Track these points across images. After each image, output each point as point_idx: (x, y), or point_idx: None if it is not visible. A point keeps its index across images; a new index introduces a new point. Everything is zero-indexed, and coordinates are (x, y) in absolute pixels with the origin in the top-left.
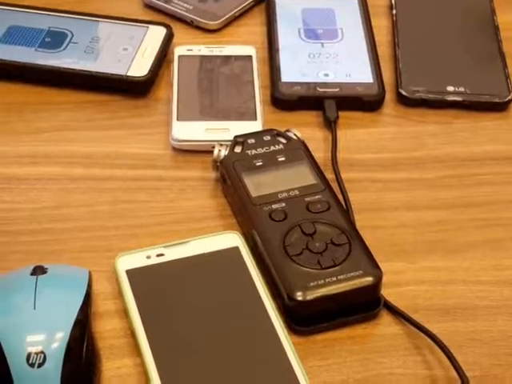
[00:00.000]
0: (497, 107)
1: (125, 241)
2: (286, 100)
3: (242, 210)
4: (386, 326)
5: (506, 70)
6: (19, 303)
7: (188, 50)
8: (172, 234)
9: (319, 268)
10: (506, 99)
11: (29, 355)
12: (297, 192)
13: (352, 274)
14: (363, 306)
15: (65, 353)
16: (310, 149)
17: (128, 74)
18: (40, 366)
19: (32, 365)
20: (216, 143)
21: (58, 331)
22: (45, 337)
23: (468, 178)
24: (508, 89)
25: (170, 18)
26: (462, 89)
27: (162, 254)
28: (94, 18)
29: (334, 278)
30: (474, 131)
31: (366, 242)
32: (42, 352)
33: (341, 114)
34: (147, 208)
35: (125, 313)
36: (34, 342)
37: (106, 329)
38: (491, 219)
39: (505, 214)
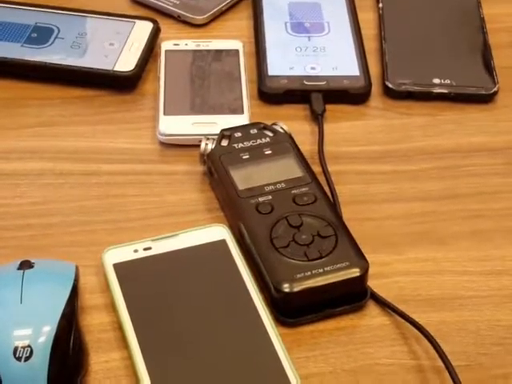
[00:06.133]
0: (483, 99)
1: (112, 235)
2: (272, 94)
3: (229, 203)
4: (372, 316)
5: (492, 62)
6: (6, 297)
7: (175, 44)
8: (160, 227)
9: (306, 260)
10: (492, 91)
11: (15, 349)
12: (283, 185)
13: (338, 265)
14: (350, 297)
15: (52, 346)
16: (297, 142)
17: (115, 68)
18: (27, 359)
19: (19, 358)
20: (203, 137)
21: (44, 325)
22: (31, 331)
23: (454, 169)
24: (494, 81)
25: (156, 13)
26: (448, 81)
27: (149, 248)
28: (80, 14)
29: (321, 270)
30: (461, 123)
31: (353, 234)
32: (29, 346)
33: (328, 107)
34: (135, 202)
35: (112, 306)
36: (21, 336)
37: (93, 322)
38: (478, 210)
39: (491, 205)
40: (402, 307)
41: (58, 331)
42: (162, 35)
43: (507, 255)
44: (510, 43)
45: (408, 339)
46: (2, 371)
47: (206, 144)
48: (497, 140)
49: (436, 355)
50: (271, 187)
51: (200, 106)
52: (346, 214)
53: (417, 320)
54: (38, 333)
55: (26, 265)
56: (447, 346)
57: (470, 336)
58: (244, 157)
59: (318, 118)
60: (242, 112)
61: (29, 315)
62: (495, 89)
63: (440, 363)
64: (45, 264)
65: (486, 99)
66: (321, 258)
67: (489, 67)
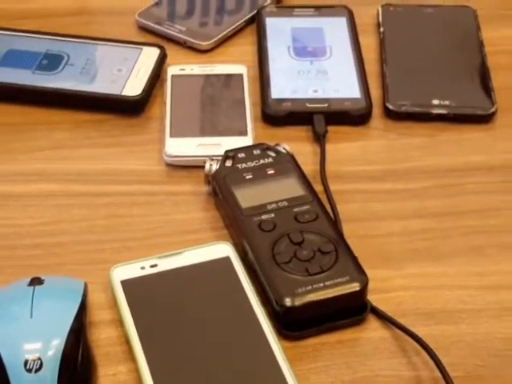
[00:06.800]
0: (481, 119)
1: (120, 253)
2: (276, 116)
3: (233, 221)
4: (372, 330)
5: (490, 83)
6: (17, 312)
7: (181, 69)
8: (166, 245)
9: (307, 275)
10: (490, 112)
11: (26, 361)
12: (285, 203)
13: (339, 280)
14: (350, 311)
15: (61, 359)
16: (300, 162)
17: (122, 93)
18: (37, 371)
19: (29, 370)
20: (207, 158)
21: (53, 339)
22: (41, 344)
23: (453, 187)
24: (491, 102)
25: (163, 40)
26: (446, 102)
27: (155, 265)
28: (89, 41)
29: (322, 284)
30: (459, 143)
31: (354, 251)
32: (39, 358)
33: (329, 128)
34: (142, 222)
35: (120, 322)
36: (31, 349)
37: (101, 337)
38: (475, 227)
39: (488, 222)
40: (401, 321)
41: (66, 345)
42: (168, 61)
43: (504, 270)
44: (508, 65)
45: (407, 351)
46: (13, 382)
47: (211, 165)
48: (494, 159)
49: (434, 366)
50: (274, 205)
51: (205, 128)
52: (347, 231)
53: (416, 333)
54: (47, 346)
55: (36, 281)
56: (445, 357)
57: (467, 348)
58: (247, 177)
59: (319, 138)
60: (246, 134)
61: (39, 329)
62: (493, 109)
63: (438, 374)
64: (54, 281)
65: (484, 119)
66: (321, 272)
67: (487, 88)
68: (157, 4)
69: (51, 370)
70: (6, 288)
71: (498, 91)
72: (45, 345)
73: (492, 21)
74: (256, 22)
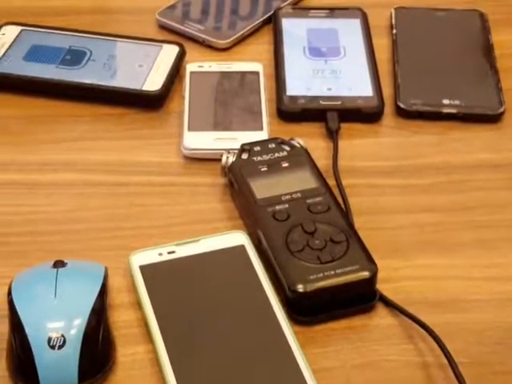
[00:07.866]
0: (489, 119)
1: (139, 240)
2: (290, 112)
3: (248, 211)
4: (381, 317)
5: (499, 84)
6: (41, 292)
7: (199, 66)
8: (183, 234)
9: (319, 263)
10: (498, 112)
11: (50, 339)
12: (299, 195)
13: (349, 268)
14: (360, 298)
15: (82, 337)
16: (313, 157)
17: (143, 88)
18: (60, 348)
19: (53, 347)
20: (224, 151)
21: (76, 318)
22: (64, 323)
23: (461, 183)
24: (500, 102)
25: (182, 38)
26: (457, 102)
27: (173, 252)
28: (111, 38)
29: (333, 272)
30: (468, 141)
31: (365, 242)
32: (62, 336)
33: (342, 125)
34: (160, 211)
35: (138, 305)
36: (55, 327)
37: (120, 319)
38: (482, 221)
39: (495, 217)
40: (409, 309)
41: (88, 324)
42: (187, 58)
43: (510, 263)
44: None
45: (414, 338)
46: (38, 358)
47: (228, 157)
48: (502, 157)
49: (440, 353)
50: (287, 197)
51: (222, 122)
52: (358, 223)
53: (423, 320)
54: (70, 324)
55: (59, 264)
56: (451, 344)
57: (473, 335)
58: (262, 169)
59: (332, 134)
60: (261, 129)
61: (62, 309)
62: (502, 109)
63: (444, 360)
64: (77, 264)
65: (492, 119)
66: (333, 261)
67: (496, 89)
68: (176, 4)
69: (73, 348)
70: (30, 270)
71: (506, 92)
72: (68, 323)
73: (502, 25)
74: (272, 23)
